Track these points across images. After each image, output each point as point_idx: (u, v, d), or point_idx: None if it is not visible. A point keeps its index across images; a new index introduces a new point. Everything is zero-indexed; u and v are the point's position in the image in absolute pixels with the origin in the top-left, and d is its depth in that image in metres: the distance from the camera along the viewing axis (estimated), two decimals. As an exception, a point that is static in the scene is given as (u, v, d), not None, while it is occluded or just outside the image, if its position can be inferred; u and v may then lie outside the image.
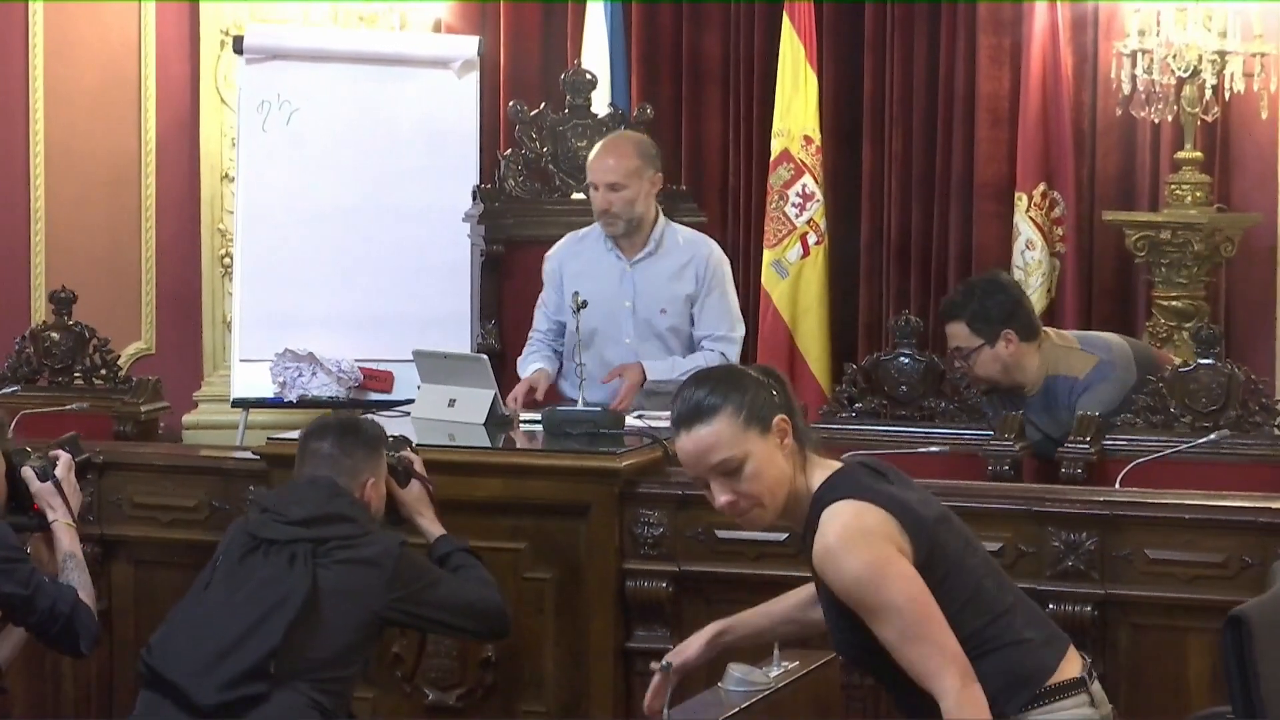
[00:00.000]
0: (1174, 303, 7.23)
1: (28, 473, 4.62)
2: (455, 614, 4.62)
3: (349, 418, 4.88)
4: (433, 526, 4.80)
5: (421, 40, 8.37)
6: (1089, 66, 7.61)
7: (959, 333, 5.90)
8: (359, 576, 4.44)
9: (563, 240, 6.40)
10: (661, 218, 6.28)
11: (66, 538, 4.59)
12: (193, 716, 4.33)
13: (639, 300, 6.20)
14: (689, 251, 6.23)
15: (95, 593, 4.61)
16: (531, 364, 6.21)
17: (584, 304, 5.76)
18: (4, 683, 4.67)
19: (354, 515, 4.52)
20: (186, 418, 8.58)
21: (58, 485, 4.63)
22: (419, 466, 4.83)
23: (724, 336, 6.20)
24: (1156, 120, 7.30)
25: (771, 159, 7.76)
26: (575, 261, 6.30)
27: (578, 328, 5.71)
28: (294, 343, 7.88)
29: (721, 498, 3.55)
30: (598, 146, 6.30)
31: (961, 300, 5.94)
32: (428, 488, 4.82)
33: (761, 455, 3.53)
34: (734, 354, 6.17)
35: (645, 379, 6.03)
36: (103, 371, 6.61)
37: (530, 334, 6.39)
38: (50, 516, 4.60)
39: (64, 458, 4.69)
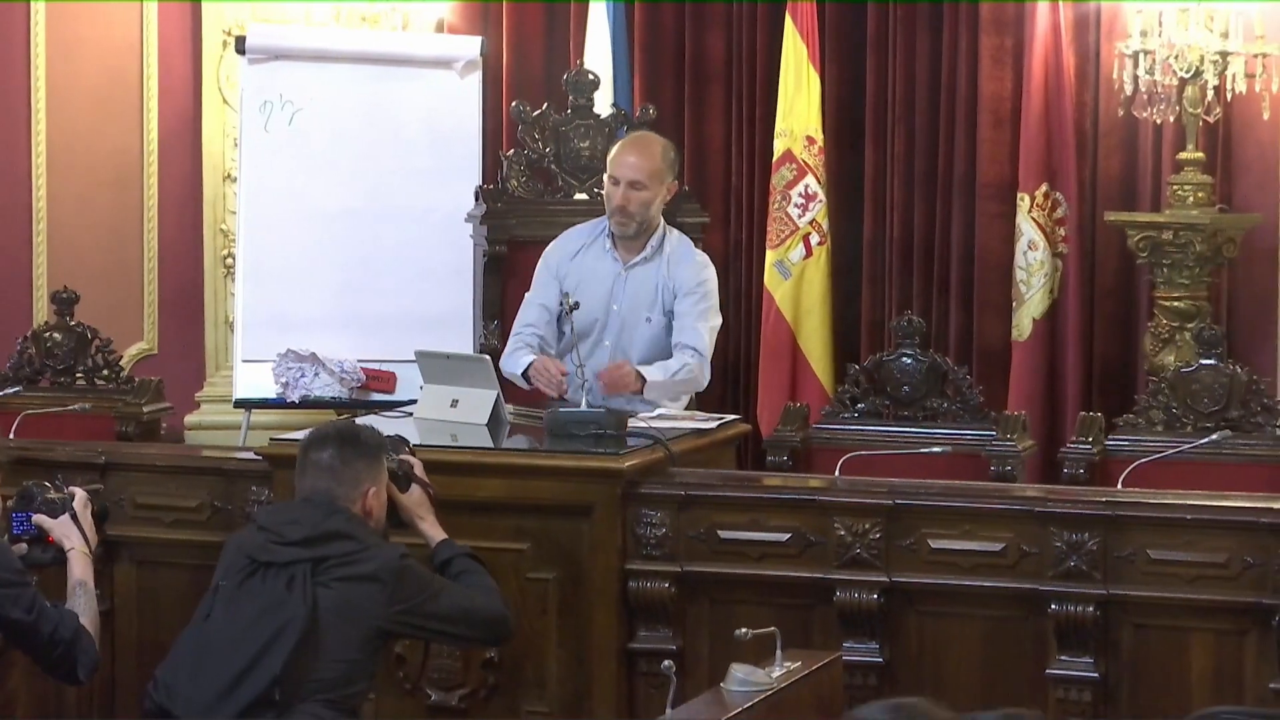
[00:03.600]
0: (1176, 303, 7.23)
1: (41, 518, 4.62)
2: (458, 623, 4.62)
3: (348, 426, 4.83)
4: (434, 531, 4.78)
5: (424, 40, 8.37)
6: (1091, 67, 7.60)
7: None
8: (359, 593, 4.43)
9: (567, 233, 6.25)
10: (663, 225, 6.14)
11: (80, 566, 4.58)
12: None
13: (626, 305, 6.05)
14: (674, 262, 6.07)
15: (100, 622, 4.61)
16: (523, 358, 5.99)
17: (575, 305, 5.75)
18: None
19: (351, 531, 4.50)
20: (189, 418, 8.58)
21: (74, 516, 4.63)
22: (419, 470, 4.81)
23: (690, 329, 5.97)
24: (1158, 121, 7.30)
25: (774, 159, 7.76)
26: (575, 258, 6.13)
27: (572, 329, 5.68)
28: (296, 343, 7.88)
29: None
30: (624, 142, 6.18)
31: None
32: (428, 491, 4.80)
33: None
34: (702, 347, 5.96)
35: (642, 386, 5.85)
36: (105, 372, 6.62)
37: (518, 329, 6.08)
38: (67, 545, 4.60)
39: (80, 494, 4.68)
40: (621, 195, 5.98)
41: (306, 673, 4.35)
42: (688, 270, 6.06)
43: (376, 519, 4.62)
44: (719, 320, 6.14)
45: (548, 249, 6.23)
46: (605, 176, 6.10)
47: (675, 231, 6.20)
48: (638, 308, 6.03)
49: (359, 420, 5.42)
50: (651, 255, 6.07)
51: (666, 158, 6.08)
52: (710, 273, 6.12)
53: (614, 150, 6.14)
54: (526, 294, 6.21)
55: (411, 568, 4.54)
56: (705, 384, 6.11)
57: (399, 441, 4.86)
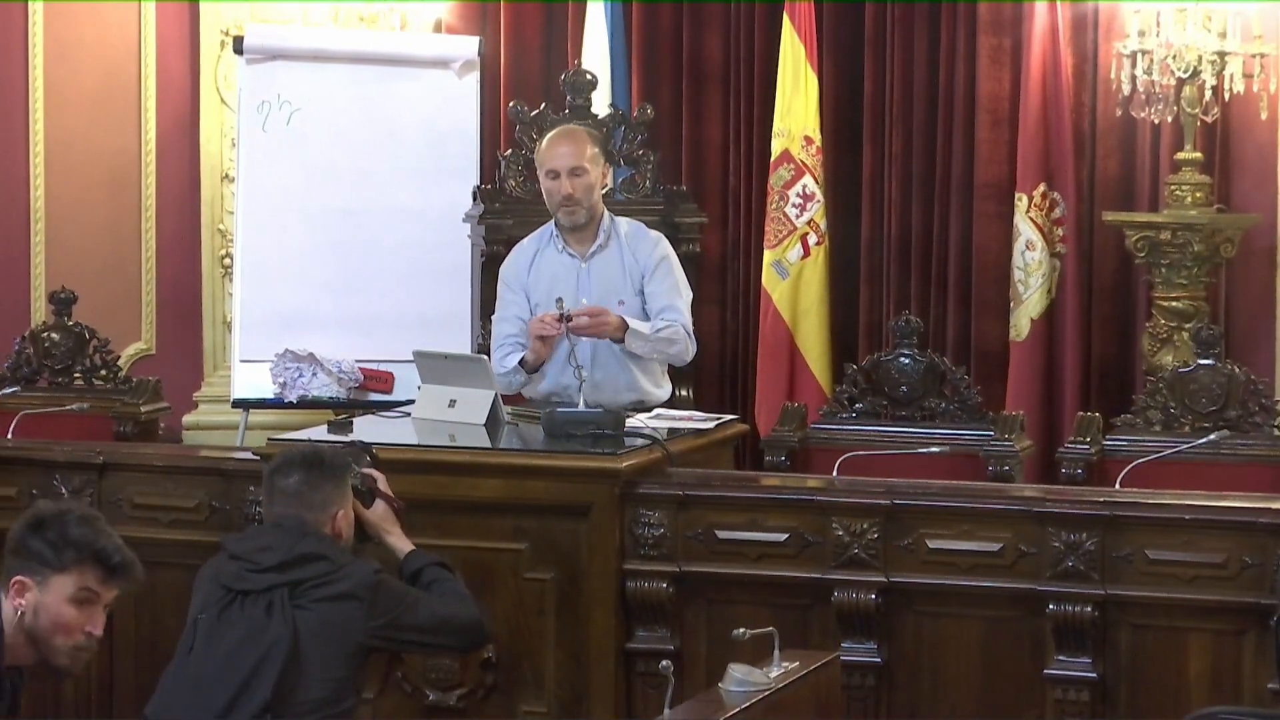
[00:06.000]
0: (1174, 303, 7.23)
1: None
2: (436, 633, 4.64)
3: (312, 451, 4.81)
4: (401, 543, 4.79)
5: (422, 40, 8.37)
6: (1089, 67, 7.60)
7: None
8: (338, 612, 4.44)
9: (517, 248, 6.21)
10: (607, 212, 6.15)
11: None
12: None
13: (595, 295, 6.01)
14: (633, 243, 6.09)
15: None
16: (515, 355, 5.97)
17: (562, 305, 5.74)
18: None
19: (325, 552, 4.51)
20: (186, 418, 8.58)
21: None
22: (383, 485, 4.81)
23: (670, 306, 6.01)
24: (1156, 121, 7.30)
25: (772, 159, 7.76)
26: (532, 267, 6.11)
27: (567, 333, 5.69)
28: (294, 343, 7.88)
29: None
30: (551, 137, 6.17)
31: None
32: (393, 505, 4.81)
33: None
34: (684, 320, 6.01)
35: (624, 330, 5.85)
36: (103, 372, 6.63)
37: (500, 342, 6.04)
38: None
39: None
40: (566, 185, 5.98)
41: (295, 695, 4.36)
42: (649, 249, 6.08)
43: (346, 539, 4.63)
44: (690, 293, 6.16)
45: (502, 269, 6.24)
46: (542, 175, 6.10)
47: (622, 218, 6.22)
48: (607, 295, 6.01)
49: (350, 420, 5.43)
50: (607, 242, 6.08)
51: (596, 141, 6.16)
52: (668, 247, 6.15)
53: (542, 148, 6.15)
54: (494, 315, 6.20)
55: (386, 582, 4.56)
56: (690, 356, 6.08)
57: (360, 451, 4.86)
